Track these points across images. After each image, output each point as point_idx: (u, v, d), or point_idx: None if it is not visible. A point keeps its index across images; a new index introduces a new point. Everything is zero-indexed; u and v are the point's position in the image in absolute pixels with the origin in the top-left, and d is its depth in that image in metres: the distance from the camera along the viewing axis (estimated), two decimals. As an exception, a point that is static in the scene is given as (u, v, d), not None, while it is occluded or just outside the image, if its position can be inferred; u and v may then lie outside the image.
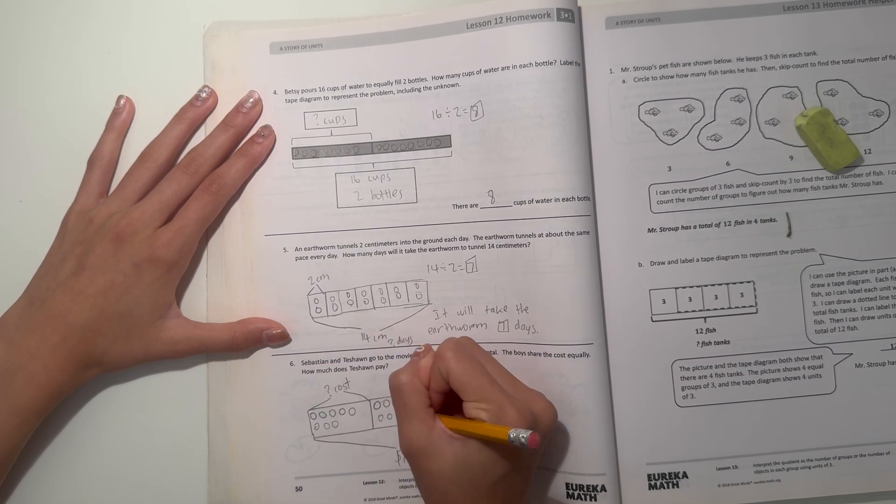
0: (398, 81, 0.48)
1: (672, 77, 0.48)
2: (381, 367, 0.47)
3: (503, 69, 0.47)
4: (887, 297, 0.47)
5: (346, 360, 0.47)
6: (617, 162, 0.47)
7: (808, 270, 0.47)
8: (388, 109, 0.48)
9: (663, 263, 0.47)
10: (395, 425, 0.43)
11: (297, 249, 0.47)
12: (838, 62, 0.48)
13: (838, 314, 0.47)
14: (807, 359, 0.47)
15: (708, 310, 0.47)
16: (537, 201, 0.46)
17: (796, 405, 0.47)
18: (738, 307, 0.47)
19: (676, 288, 0.47)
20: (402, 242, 0.47)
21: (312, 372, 0.47)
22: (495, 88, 0.47)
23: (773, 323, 0.47)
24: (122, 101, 0.49)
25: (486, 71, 0.47)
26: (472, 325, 0.47)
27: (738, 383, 0.47)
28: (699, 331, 0.47)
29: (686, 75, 0.48)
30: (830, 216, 0.47)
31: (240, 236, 0.48)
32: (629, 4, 0.48)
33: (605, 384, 0.46)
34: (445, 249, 0.47)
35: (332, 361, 0.47)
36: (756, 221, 0.47)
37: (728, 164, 0.47)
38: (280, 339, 0.47)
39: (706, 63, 0.48)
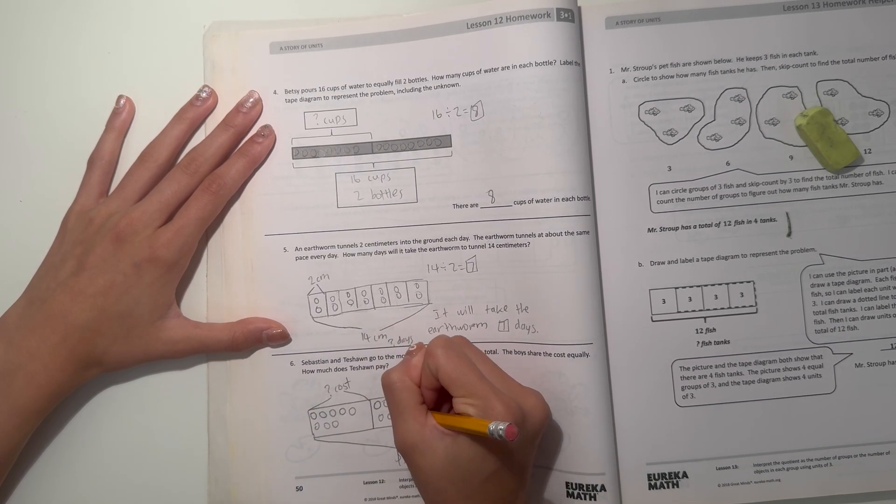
0: (398, 81, 0.48)
1: (672, 77, 0.48)
2: (382, 366, 0.47)
3: (503, 69, 0.47)
4: (887, 297, 0.47)
5: (347, 359, 0.47)
6: (617, 162, 0.47)
7: (808, 270, 0.47)
8: (388, 109, 0.48)
9: (663, 263, 0.47)
10: (395, 425, 0.43)
11: (297, 249, 0.47)
12: (838, 62, 0.48)
13: (838, 314, 0.47)
14: (807, 359, 0.47)
15: (708, 310, 0.47)
16: (537, 201, 0.46)
17: (796, 405, 0.47)
18: (737, 307, 0.47)
19: (676, 288, 0.47)
20: (402, 242, 0.47)
21: (313, 372, 0.47)
22: (495, 88, 0.47)
23: (773, 323, 0.47)
24: (122, 101, 0.49)
25: (486, 71, 0.47)
26: (473, 325, 0.47)
27: (738, 383, 0.47)
28: (699, 331, 0.47)
29: (686, 75, 0.48)
30: (830, 216, 0.47)
31: (240, 236, 0.48)
32: (629, 4, 0.48)
33: (604, 384, 0.46)
34: (446, 249, 0.47)
35: (332, 361, 0.47)
36: (756, 221, 0.47)
37: (728, 163, 0.47)
38: (280, 338, 0.47)
39: (706, 63, 0.48)
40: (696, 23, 0.48)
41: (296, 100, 0.48)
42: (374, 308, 0.47)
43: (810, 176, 0.47)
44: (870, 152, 0.47)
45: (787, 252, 0.47)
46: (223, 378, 0.47)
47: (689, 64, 0.48)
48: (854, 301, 0.47)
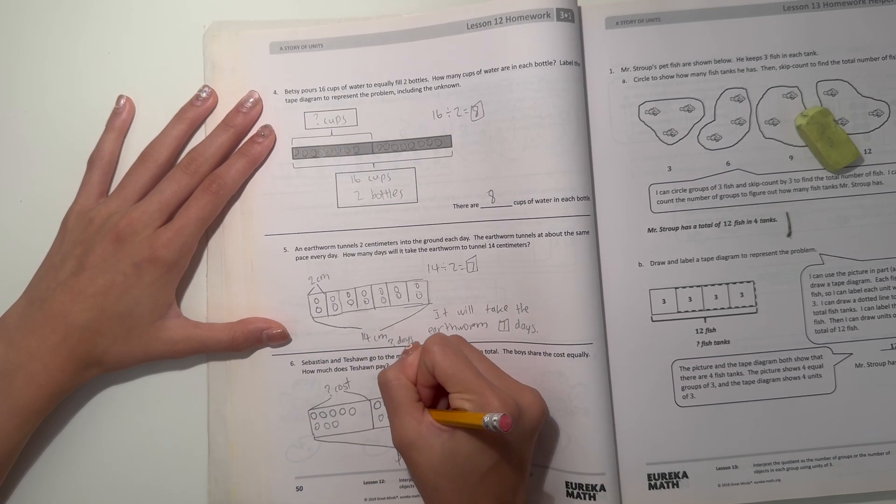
0: (398, 81, 0.48)
1: (672, 77, 0.48)
2: (382, 366, 0.47)
3: (503, 69, 0.47)
4: (887, 297, 0.47)
5: (347, 359, 0.47)
6: (617, 162, 0.47)
7: (808, 270, 0.47)
8: (388, 109, 0.48)
9: (663, 263, 0.47)
10: (395, 425, 0.43)
11: (297, 249, 0.47)
12: (838, 62, 0.48)
13: (838, 314, 0.47)
14: (807, 359, 0.47)
15: (708, 310, 0.47)
16: (537, 201, 0.46)
17: (796, 405, 0.47)
18: (737, 307, 0.47)
19: (676, 288, 0.47)
20: (402, 242, 0.47)
21: (313, 372, 0.47)
22: (495, 89, 0.47)
23: (773, 323, 0.47)
24: (122, 101, 0.49)
25: (486, 71, 0.47)
26: (473, 325, 0.47)
27: (738, 383, 0.47)
28: (699, 331, 0.47)
29: (686, 75, 0.48)
30: (830, 216, 0.47)
31: (240, 236, 0.48)
32: (629, 4, 0.48)
33: (604, 384, 0.46)
34: (446, 249, 0.47)
35: (332, 361, 0.47)
36: (756, 221, 0.47)
37: (728, 163, 0.47)
38: (280, 338, 0.47)
39: (706, 63, 0.48)
40: (696, 23, 0.48)
41: (296, 100, 0.48)
42: (375, 308, 0.47)
43: (810, 176, 0.47)
44: (870, 152, 0.47)
45: (787, 252, 0.47)
46: (223, 378, 0.47)
47: (689, 64, 0.48)
48: (854, 301, 0.47)
